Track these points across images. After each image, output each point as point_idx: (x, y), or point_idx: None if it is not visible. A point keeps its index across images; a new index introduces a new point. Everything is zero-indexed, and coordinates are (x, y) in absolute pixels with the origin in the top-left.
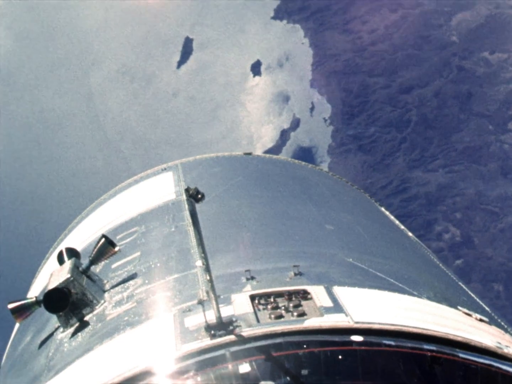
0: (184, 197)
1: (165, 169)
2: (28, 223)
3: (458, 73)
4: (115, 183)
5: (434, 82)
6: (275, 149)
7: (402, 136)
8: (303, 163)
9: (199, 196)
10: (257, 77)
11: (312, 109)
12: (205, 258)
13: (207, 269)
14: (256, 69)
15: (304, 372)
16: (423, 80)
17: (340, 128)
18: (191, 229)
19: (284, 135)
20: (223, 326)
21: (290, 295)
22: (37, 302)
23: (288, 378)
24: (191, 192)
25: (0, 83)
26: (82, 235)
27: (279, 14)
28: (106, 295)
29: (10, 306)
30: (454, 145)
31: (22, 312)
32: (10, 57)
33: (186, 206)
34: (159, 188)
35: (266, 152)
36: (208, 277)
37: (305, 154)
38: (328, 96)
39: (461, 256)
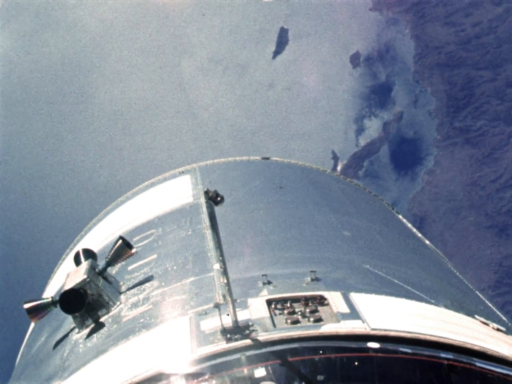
0: (202, 200)
1: (182, 172)
2: None
3: None
4: None
5: None
6: (378, 141)
7: (510, 130)
8: (321, 168)
9: (219, 199)
10: (357, 68)
11: (415, 101)
12: (222, 262)
13: (225, 273)
14: (355, 60)
15: (320, 377)
16: None
17: (445, 121)
18: (208, 232)
19: (387, 127)
20: (239, 330)
21: (306, 300)
22: (53, 303)
23: (303, 383)
24: (210, 194)
25: (88, 71)
26: (99, 237)
27: (378, 5)
28: (122, 296)
29: (26, 306)
30: None
31: (37, 312)
32: (99, 45)
33: (204, 209)
34: (177, 191)
35: (369, 144)
36: (225, 281)
37: (409, 146)
38: (432, 89)
39: None
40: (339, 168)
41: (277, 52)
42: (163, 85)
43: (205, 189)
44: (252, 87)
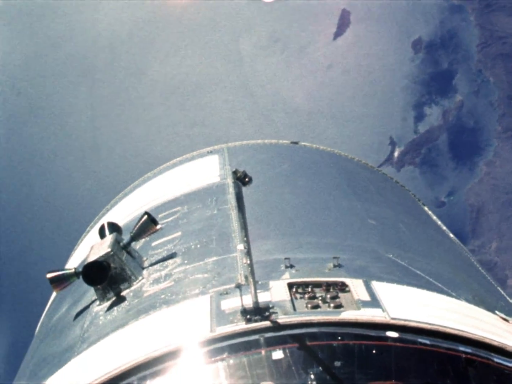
0: (229, 180)
1: (211, 152)
2: None
3: None
4: None
5: None
6: (437, 129)
7: None
8: (350, 156)
9: (247, 179)
10: (418, 54)
11: (477, 91)
12: (247, 242)
13: (248, 253)
14: (417, 46)
15: (337, 363)
16: None
17: (507, 113)
18: (233, 212)
19: (446, 116)
20: (259, 311)
21: (328, 286)
22: (75, 274)
23: (320, 368)
24: (239, 175)
25: (144, 46)
26: (124, 211)
27: None
28: (145, 272)
29: (49, 275)
30: None
31: (60, 282)
32: (157, 19)
33: (231, 189)
34: (204, 170)
35: (428, 131)
36: (248, 262)
37: (469, 136)
38: (494, 79)
39: None
40: (396, 154)
41: (337, 34)
42: (220, 61)
43: (234, 169)
44: (311, 67)
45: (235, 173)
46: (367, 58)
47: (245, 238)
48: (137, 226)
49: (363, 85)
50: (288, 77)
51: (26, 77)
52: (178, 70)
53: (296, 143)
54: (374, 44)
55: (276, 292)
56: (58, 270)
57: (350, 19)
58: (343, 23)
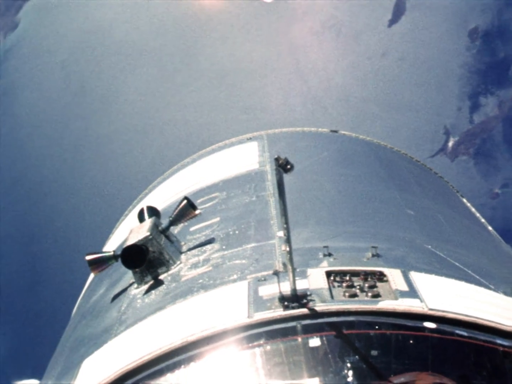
0: (268, 167)
1: (250, 138)
2: None
3: None
4: None
5: None
6: (493, 120)
7: None
8: (389, 145)
9: (288, 166)
10: (474, 44)
11: None
12: (287, 229)
13: (288, 241)
14: (473, 35)
15: (374, 352)
16: None
17: None
18: (272, 199)
19: (502, 106)
20: (297, 298)
21: (366, 275)
22: (114, 257)
23: (357, 357)
24: (280, 161)
25: (197, 30)
26: (163, 196)
27: None
28: (183, 256)
29: (88, 257)
30: None
31: (98, 264)
32: (210, 4)
33: (269, 176)
34: (243, 157)
35: (483, 122)
36: (287, 249)
37: None
38: None
39: None
40: (450, 144)
41: (392, 21)
42: (273, 47)
43: (276, 156)
44: (365, 54)
45: (277, 160)
46: (422, 46)
47: (285, 225)
48: (176, 211)
49: (417, 73)
50: (342, 63)
51: (75, 61)
52: (230, 54)
53: (335, 131)
54: (430, 32)
55: (314, 280)
56: (97, 253)
57: (406, 7)
58: (399, 11)
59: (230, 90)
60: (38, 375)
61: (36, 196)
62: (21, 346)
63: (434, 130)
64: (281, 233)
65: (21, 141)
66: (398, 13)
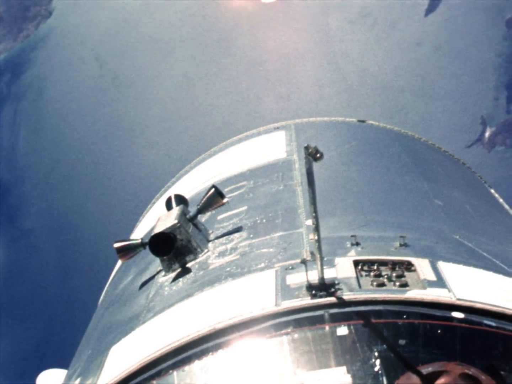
0: (295, 156)
1: (277, 128)
2: None
3: None
4: None
5: None
6: None
7: None
8: (417, 136)
9: (318, 155)
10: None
11: None
12: (315, 218)
13: (317, 229)
14: (510, 24)
15: (402, 342)
16: None
17: None
18: (299, 188)
19: None
20: (324, 287)
21: (394, 264)
22: (142, 244)
23: (385, 346)
24: (310, 150)
25: (231, 18)
26: (191, 184)
27: None
28: (210, 244)
29: (116, 245)
30: None
31: (126, 252)
32: None
33: (297, 165)
34: (270, 146)
35: None
36: (316, 237)
37: None
38: None
39: None
40: (487, 134)
41: (429, 10)
42: (308, 35)
43: (306, 145)
44: (401, 44)
45: (306, 148)
46: (459, 36)
47: (313, 214)
48: (204, 199)
49: (454, 63)
50: (377, 53)
51: (109, 49)
52: (266, 43)
53: (363, 121)
54: (466, 22)
55: (342, 269)
56: (125, 240)
57: None
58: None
59: (266, 78)
60: (66, 366)
61: (68, 184)
62: (52, 335)
63: (470, 120)
64: (309, 222)
65: (53, 130)
66: (434, 2)
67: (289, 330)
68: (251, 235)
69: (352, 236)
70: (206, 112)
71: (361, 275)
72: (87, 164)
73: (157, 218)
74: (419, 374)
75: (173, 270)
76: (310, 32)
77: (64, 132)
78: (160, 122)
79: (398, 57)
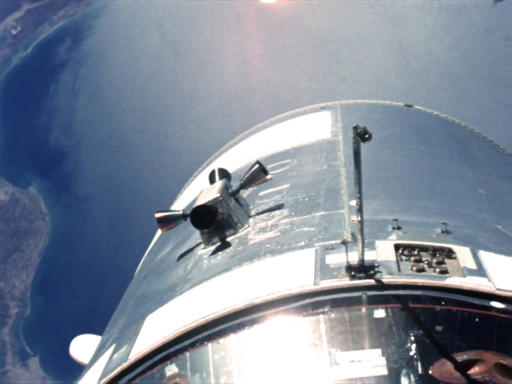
0: (340, 137)
1: (323, 107)
2: None
3: None
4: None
5: None
6: None
7: None
8: (463, 123)
9: (367, 136)
10: None
11: None
12: (360, 199)
13: (360, 210)
14: None
15: (439, 328)
16: None
17: None
18: (343, 169)
19: None
20: (364, 269)
21: (434, 251)
22: (183, 216)
23: (421, 331)
24: (359, 130)
25: None
26: (234, 159)
27: None
28: (251, 220)
29: (157, 215)
30: None
31: (167, 223)
32: None
33: (341, 146)
34: (315, 126)
35: None
36: (359, 218)
37: None
38: None
39: None
40: None
41: None
42: (374, 18)
43: (355, 124)
44: (468, 31)
45: (355, 128)
46: None
47: (358, 195)
48: (248, 174)
49: None
50: (444, 39)
51: (172, 18)
52: (330, 22)
53: (410, 106)
54: None
55: (382, 252)
56: (166, 211)
57: None
58: None
59: (328, 59)
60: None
61: (124, 152)
62: (101, 304)
63: None
64: (353, 202)
65: (111, 98)
66: None
67: (326, 310)
68: (292, 213)
69: (394, 220)
70: (267, 89)
71: (401, 259)
72: (144, 133)
73: (200, 190)
74: (453, 361)
75: (213, 244)
76: (375, 15)
77: (122, 100)
78: (221, 95)
79: (465, 45)
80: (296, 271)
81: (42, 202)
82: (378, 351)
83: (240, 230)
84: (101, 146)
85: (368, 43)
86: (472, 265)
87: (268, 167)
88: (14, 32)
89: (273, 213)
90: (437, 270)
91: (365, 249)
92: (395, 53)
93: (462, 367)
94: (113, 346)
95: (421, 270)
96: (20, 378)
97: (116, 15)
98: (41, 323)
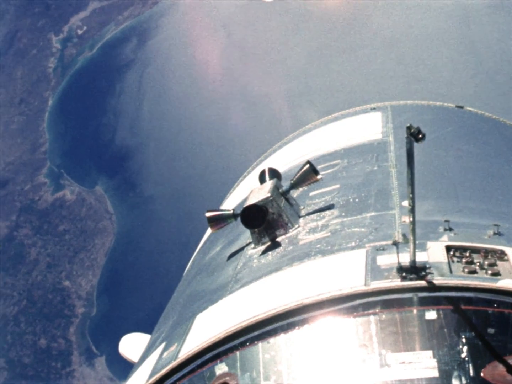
0: (391, 138)
1: (374, 108)
2: None
3: None
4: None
5: None
6: None
7: None
8: None
9: (420, 136)
10: None
11: None
12: (412, 200)
13: (413, 211)
14: None
15: (491, 330)
16: None
17: None
18: (393, 170)
19: None
20: (415, 270)
21: (486, 253)
22: (233, 215)
23: (473, 333)
24: (412, 130)
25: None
26: (284, 159)
27: None
28: (301, 220)
29: (208, 214)
30: None
31: (217, 222)
32: None
33: (392, 147)
34: (366, 127)
35: None
36: (411, 219)
37: None
38: None
39: None
40: None
41: None
42: (444, 18)
43: (408, 124)
44: None
45: (409, 128)
46: None
47: (411, 195)
48: (298, 174)
49: None
50: None
51: (238, 19)
52: (399, 22)
53: (461, 107)
54: None
55: (433, 253)
56: (216, 210)
57: None
58: None
59: (398, 59)
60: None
61: (190, 152)
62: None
63: None
64: (406, 203)
65: (177, 97)
66: None
67: (376, 311)
68: (343, 214)
69: (445, 221)
70: (334, 89)
71: (453, 261)
72: (210, 133)
73: (250, 190)
74: (506, 364)
75: (263, 243)
76: (446, 14)
77: (187, 100)
78: (288, 95)
79: None
80: (346, 271)
81: (108, 201)
82: (429, 352)
83: (291, 230)
84: (167, 146)
85: (438, 42)
86: None
87: (318, 167)
88: (80, 32)
89: (323, 213)
90: (489, 272)
91: (417, 250)
92: (467, 53)
93: None
94: (163, 345)
95: (473, 272)
96: (86, 378)
97: (182, 15)
98: (107, 322)
